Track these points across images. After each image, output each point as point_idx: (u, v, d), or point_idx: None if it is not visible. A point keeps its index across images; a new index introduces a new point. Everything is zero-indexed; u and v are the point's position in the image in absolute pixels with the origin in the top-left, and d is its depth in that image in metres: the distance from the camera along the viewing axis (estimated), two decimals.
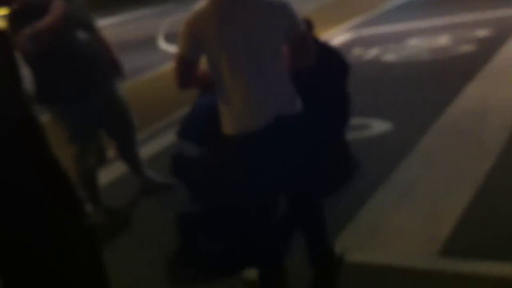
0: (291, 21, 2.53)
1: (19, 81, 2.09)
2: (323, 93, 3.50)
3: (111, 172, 4.69)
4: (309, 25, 3.49)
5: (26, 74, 3.53)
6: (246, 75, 2.48)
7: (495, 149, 3.87)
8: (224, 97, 2.54)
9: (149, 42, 13.03)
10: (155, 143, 5.36)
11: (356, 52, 7.51)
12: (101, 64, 3.85)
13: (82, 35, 3.75)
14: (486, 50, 6.34)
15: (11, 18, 3.62)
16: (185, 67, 2.55)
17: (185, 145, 3.80)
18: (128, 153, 4.22)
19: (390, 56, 7.00)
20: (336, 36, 8.79)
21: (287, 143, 2.57)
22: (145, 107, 6.37)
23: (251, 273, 2.86)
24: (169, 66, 9.45)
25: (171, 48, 11.27)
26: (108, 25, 19.06)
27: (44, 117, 3.35)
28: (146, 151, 4.80)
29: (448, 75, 5.78)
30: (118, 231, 3.87)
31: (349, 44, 8.01)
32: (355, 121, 4.30)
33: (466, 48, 6.65)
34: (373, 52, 7.36)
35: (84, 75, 3.72)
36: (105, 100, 3.89)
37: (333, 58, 3.87)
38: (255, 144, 2.53)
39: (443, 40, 7.23)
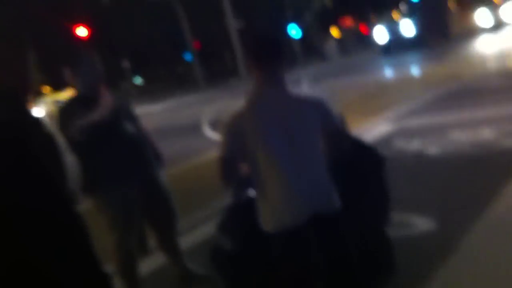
0: (326, 118, 2.59)
1: (64, 176, 2.17)
2: (359, 189, 3.50)
3: (151, 262, 4.70)
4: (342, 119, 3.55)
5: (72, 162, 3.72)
6: (283, 170, 2.52)
7: None
8: (262, 193, 2.58)
9: (193, 129, 13.34)
10: (196, 233, 5.38)
11: (398, 144, 7.51)
12: (146, 153, 4.00)
13: (128, 125, 3.92)
14: None
15: (61, 108, 3.84)
16: (227, 166, 2.63)
17: (223, 239, 3.80)
18: (168, 243, 4.25)
19: (432, 150, 6.96)
20: (376, 127, 8.82)
21: (325, 243, 2.57)
22: (187, 195, 6.45)
23: None
24: (212, 154, 9.60)
25: (215, 136, 11.51)
26: (156, 111, 19.67)
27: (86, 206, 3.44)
28: (186, 241, 4.83)
29: (493, 170, 5.69)
30: None
31: (390, 136, 8.02)
32: (396, 217, 4.24)
33: (511, 142, 6.57)
34: (415, 145, 7.34)
35: (129, 164, 3.87)
36: (148, 188, 3.99)
37: (366, 153, 3.88)
38: (292, 241, 2.54)
39: (486, 133, 7.17)
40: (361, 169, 3.58)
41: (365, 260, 3.30)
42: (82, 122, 3.63)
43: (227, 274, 3.77)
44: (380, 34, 22.65)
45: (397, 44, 21.97)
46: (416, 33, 21.97)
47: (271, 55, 2.62)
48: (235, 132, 2.59)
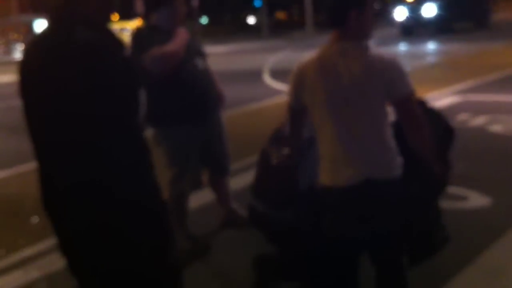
0: (395, 80, 2.45)
1: (140, 104, 2.19)
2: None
3: (199, 198, 4.77)
4: None
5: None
6: (337, 128, 2.47)
7: None
8: (320, 148, 2.56)
9: (255, 75, 13.31)
10: (245, 177, 5.41)
11: (462, 117, 7.29)
12: (212, 92, 4.00)
13: (199, 63, 3.90)
14: None
15: (137, 36, 3.79)
16: (293, 115, 2.66)
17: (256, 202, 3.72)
18: (218, 182, 4.29)
19: (498, 127, 6.74)
20: (443, 98, 8.58)
21: (376, 209, 2.52)
22: (241, 140, 6.47)
23: None
24: (270, 102, 9.61)
25: (275, 84, 11.46)
26: (218, 53, 19.68)
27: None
28: (235, 183, 4.86)
29: None
30: (195, 258, 3.93)
31: (456, 108, 7.79)
32: (452, 190, 4.14)
33: None
34: (480, 120, 7.12)
35: (196, 102, 3.86)
36: (209, 128, 4.01)
37: (437, 121, 3.77)
38: (341, 199, 2.52)
39: None
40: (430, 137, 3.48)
41: (416, 231, 3.25)
42: (157, 54, 3.58)
43: (264, 231, 3.71)
44: (400, 13, 21.20)
45: (416, 25, 20.47)
46: (437, 14, 19.93)
47: (330, 10, 2.52)
48: (299, 82, 2.55)
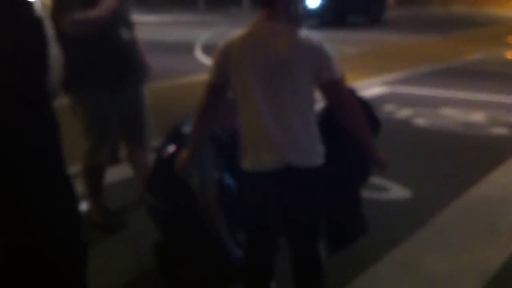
0: (324, 63, 2.41)
1: (46, 71, 2.00)
2: (347, 145, 3.37)
3: (116, 173, 4.57)
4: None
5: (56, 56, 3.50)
6: (261, 109, 2.39)
7: (510, 242, 3.72)
8: (243, 130, 2.48)
9: (186, 49, 13.04)
10: None
11: (388, 108, 7.39)
12: (135, 63, 3.81)
13: (124, 33, 3.72)
14: None
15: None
16: (211, 92, 2.52)
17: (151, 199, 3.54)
18: (137, 156, 4.10)
19: (422, 121, 6.86)
20: (370, 87, 8.68)
21: (295, 194, 2.51)
22: (163, 115, 6.27)
23: None
24: (199, 77, 9.41)
25: (206, 60, 11.26)
26: (151, 22, 19.20)
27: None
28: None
29: (476, 154, 5.64)
30: (107, 232, 3.81)
31: (382, 99, 7.89)
32: (374, 180, 4.16)
33: (499, 130, 6.50)
34: (405, 112, 7.23)
35: (116, 70, 3.68)
36: (129, 99, 3.83)
37: (365, 113, 3.74)
38: (261, 183, 2.48)
39: (478, 116, 7.08)
40: None
41: (335, 219, 3.22)
42: (79, 17, 3.40)
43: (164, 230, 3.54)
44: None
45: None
46: (322, 5, 18.62)
47: None
48: (224, 59, 2.44)
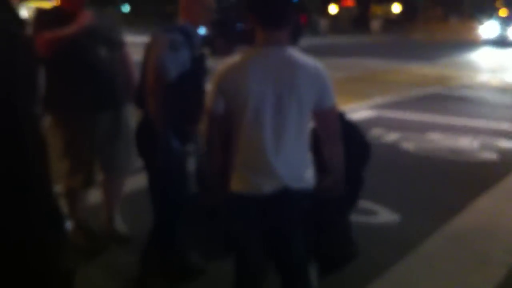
0: (325, 90, 2.42)
1: (36, 88, 1.95)
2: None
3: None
4: None
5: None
6: (264, 136, 2.35)
7: (500, 273, 3.68)
8: (239, 153, 2.41)
9: None
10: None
11: (376, 132, 7.37)
12: (115, 85, 3.66)
13: (103, 51, 3.59)
14: (507, 163, 6.19)
15: (37, 15, 3.57)
16: (213, 122, 2.46)
17: None
18: (111, 182, 3.92)
19: (410, 145, 6.84)
20: (358, 111, 8.67)
21: (287, 217, 2.49)
22: None
23: None
24: None
25: None
26: (139, 43, 19.19)
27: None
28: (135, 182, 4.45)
29: (464, 180, 5.61)
30: (90, 256, 3.67)
31: (370, 123, 7.88)
32: (363, 204, 4.10)
33: (488, 156, 6.49)
34: (393, 137, 7.21)
35: (95, 91, 3.57)
36: (109, 121, 3.68)
37: (355, 137, 3.71)
38: (255, 207, 2.44)
39: (465, 142, 7.08)
40: (346, 151, 3.40)
41: (325, 243, 3.17)
42: (48, 36, 3.35)
43: None
44: None
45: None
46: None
47: (277, 10, 2.38)
48: (223, 84, 2.39)
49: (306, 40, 20.62)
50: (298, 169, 2.42)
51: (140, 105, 3.21)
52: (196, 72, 3.13)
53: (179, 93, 3.03)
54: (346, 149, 3.47)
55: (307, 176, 2.46)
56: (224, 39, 16.49)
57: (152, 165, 3.21)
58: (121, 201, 3.99)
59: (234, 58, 2.44)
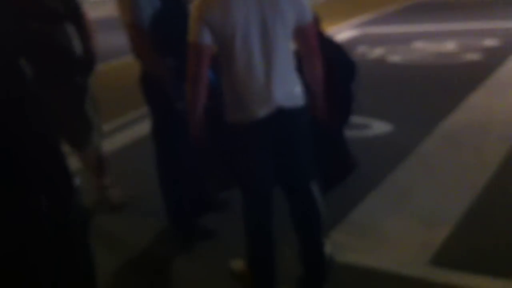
0: (304, 6, 2.47)
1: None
2: (327, 88, 3.44)
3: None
4: (315, 18, 3.42)
5: None
6: (256, 62, 2.41)
7: (494, 161, 3.83)
8: (230, 84, 2.48)
9: None
10: (123, 136, 5.11)
11: (361, 50, 7.43)
12: (70, 56, 3.46)
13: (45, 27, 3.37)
14: (492, 60, 6.29)
15: None
16: (197, 54, 2.45)
17: None
18: (80, 156, 3.78)
19: (396, 57, 6.93)
20: (341, 32, 8.70)
21: (287, 136, 2.54)
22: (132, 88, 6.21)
23: (238, 264, 2.81)
24: None
25: None
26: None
27: None
28: (111, 143, 4.61)
29: (453, 82, 5.73)
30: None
31: (355, 41, 7.93)
32: (356, 119, 4.23)
33: (472, 56, 6.59)
34: (378, 52, 7.29)
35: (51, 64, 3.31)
36: (62, 97, 3.43)
37: (339, 54, 3.81)
38: (255, 133, 2.49)
39: (449, 46, 7.17)
40: (332, 69, 3.50)
41: (325, 157, 3.31)
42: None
43: None
44: None
45: None
46: None
47: None
48: (210, 17, 2.41)
49: None
50: (290, 88, 2.48)
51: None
52: (170, 13, 3.03)
53: (160, 43, 2.99)
54: (333, 69, 3.60)
55: (299, 93, 2.52)
56: None
57: (155, 112, 3.22)
58: (106, 170, 3.85)
59: None
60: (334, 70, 3.54)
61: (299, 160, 2.62)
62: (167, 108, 3.06)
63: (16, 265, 2.00)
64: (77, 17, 3.52)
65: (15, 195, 1.98)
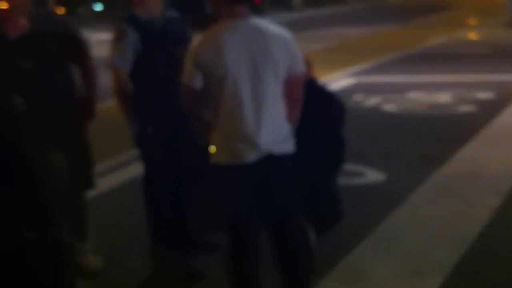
0: (296, 57, 2.55)
1: None
2: (317, 135, 3.47)
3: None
4: (307, 63, 3.49)
5: None
6: (246, 106, 2.46)
7: (485, 213, 3.87)
8: (219, 125, 2.52)
9: None
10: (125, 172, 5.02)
11: (357, 98, 7.52)
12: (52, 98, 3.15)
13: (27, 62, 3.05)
14: (485, 113, 6.38)
15: None
16: (190, 95, 2.56)
17: None
18: None
19: (390, 107, 7.02)
20: (338, 80, 8.81)
21: (273, 180, 2.59)
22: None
23: None
24: None
25: None
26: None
27: None
28: (106, 183, 4.57)
29: (446, 133, 5.80)
30: None
31: (351, 90, 8.03)
32: (349, 167, 4.26)
33: (466, 108, 6.68)
34: (373, 100, 7.37)
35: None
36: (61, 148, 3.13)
37: (330, 100, 3.84)
38: (242, 176, 2.54)
39: (443, 97, 7.27)
40: (323, 115, 3.54)
41: (309, 204, 3.32)
42: None
43: None
44: None
45: None
46: None
47: None
48: (202, 59, 2.49)
49: (281, 16, 20.72)
50: (279, 134, 2.53)
51: None
52: (151, 53, 3.15)
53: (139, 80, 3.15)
54: (322, 116, 3.64)
55: (288, 140, 2.57)
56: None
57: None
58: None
59: (205, 34, 2.55)
60: (323, 117, 3.58)
61: (285, 201, 2.66)
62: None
63: None
64: (82, 60, 3.31)
65: None
